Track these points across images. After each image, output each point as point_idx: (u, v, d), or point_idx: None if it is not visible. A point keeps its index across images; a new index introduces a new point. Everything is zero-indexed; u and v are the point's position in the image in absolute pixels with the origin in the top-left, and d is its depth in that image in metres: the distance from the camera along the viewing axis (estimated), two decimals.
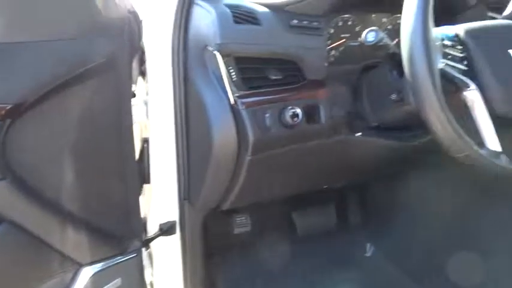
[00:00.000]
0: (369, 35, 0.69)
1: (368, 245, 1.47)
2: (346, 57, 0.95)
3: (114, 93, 0.69)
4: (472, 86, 0.64)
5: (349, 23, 0.97)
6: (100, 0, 0.62)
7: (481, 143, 0.64)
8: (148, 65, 0.96)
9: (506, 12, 0.86)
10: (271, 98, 0.80)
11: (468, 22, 0.96)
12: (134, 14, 0.76)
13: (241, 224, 1.16)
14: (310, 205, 1.39)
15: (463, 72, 0.64)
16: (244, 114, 0.76)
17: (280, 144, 0.82)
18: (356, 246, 1.47)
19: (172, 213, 0.99)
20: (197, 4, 0.81)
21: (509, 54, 0.65)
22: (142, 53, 0.95)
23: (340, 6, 0.88)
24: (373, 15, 0.98)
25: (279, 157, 0.84)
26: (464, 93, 0.65)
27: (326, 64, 0.89)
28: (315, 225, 1.41)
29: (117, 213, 0.77)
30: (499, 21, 0.71)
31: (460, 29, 0.68)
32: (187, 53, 0.82)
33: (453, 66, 0.64)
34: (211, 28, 0.77)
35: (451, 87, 0.66)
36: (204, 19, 0.79)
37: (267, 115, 0.78)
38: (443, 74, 0.62)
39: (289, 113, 0.79)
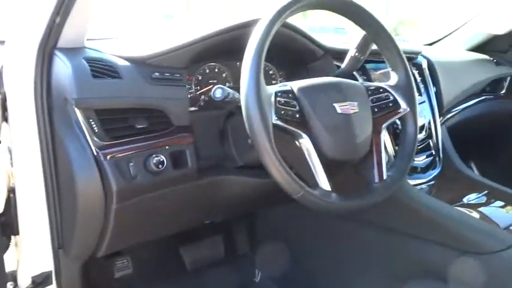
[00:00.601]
0: (217, 92, 0.76)
1: (256, 271, 1.55)
2: (215, 102, 1.03)
3: None
4: (304, 136, 0.74)
5: (216, 70, 1.05)
6: None
7: (314, 184, 0.74)
8: (11, 112, 0.93)
9: (343, 65, 1.01)
10: (136, 146, 0.83)
11: (318, 70, 1.10)
12: None
13: (122, 267, 1.15)
14: (198, 239, 1.43)
15: (297, 123, 0.74)
16: (106, 165, 0.78)
17: (148, 190, 0.85)
18: (245, 273, 1.54)
19: (46, 264, 0.96)
20: (57, 55, 0.82)
21: (334, 107, 0.77)
22: (4, 99, 0.92)
23: (201, 58, 0.95)
24: (238, 63, 1.07)
25: (148, 201, 0.87)
26: (299, 141, 0.75)
27: (191, 110, 0.96)
28: (203, 258, 1.44)
29: None
30: (326, 79, 0.83)
31: (294, 85, 0.78)
32: (51, 102, 0.81)
33: (288, 120, 0.73)
34: (68, 82, 0.77)
35: (288, 137, 0.75)
36: (63, 72, 0.79)
37: (132, 164, 0.81)
38: (279, 127, 0.72)
39: (153, 161, 0.82)
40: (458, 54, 1.72)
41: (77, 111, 0.78)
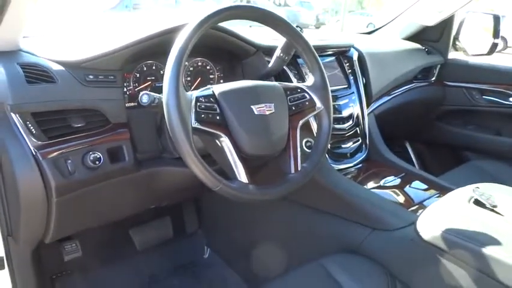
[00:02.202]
0: (143, 98, 0.84)
1: (205, 248, 1.67)
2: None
3: None
4: (224, 136, 0.83)
5: (153, 67, 1.12)
6: None
7: (233, 177, 0.84)
8: None
9: (270, 64, 1.11)
10: (73, 144, 0.89)
11: (251, 65, 1.19)
12: None
13: (71, 251, 1.23)
14: (147, 221, 1.52)
15: (217, 125, 0.84)
16: (45, 163, 0.85)
17: (86, 184, 0.92)
18: (194, 251, 1.65)
19: None
20: None
21: (251, 109, 0.87)
22: None
23: (137, 58, 1.02)
24: None
25: (89, 194, 0.95)
26: (220, 141, 0.84)
27: (129, 106, 1.03)
28: (153, 238, 1.54)
29: None
30: (246, 83, 0.92)
31: (216, 89, 0.87)
32: None
33: (208, 122, 0.82)
34: (3, 88, 0.82)
35: (209, 138, 0.85)
36: None
37: (69, 161, 0.88)
38: (199, 130, 0.81)
39: (90, 157, 0.90)
40: (393, 44, 1.85)
41: (13, 115, 0.83)
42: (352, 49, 1.52)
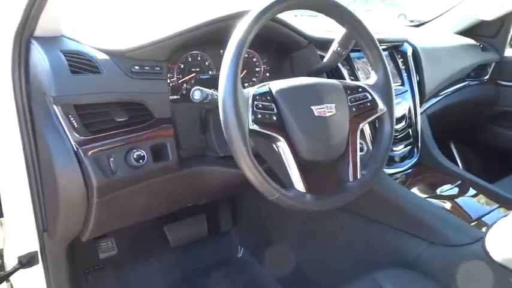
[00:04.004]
0: (195, 93, 0.77)
1: (239, 247, 1.61)
2: None
3: None
4: (281, 139, 0.75)
5: (199, 58, 1.04)
6: None
7: (289, 185, 0.76)
8: None
9: (325, 59, 1.01)
10: (116, 140, 0.83)
11: (301, 59, 1.10)
12: None
13: (107, 249, 1.19)
14: (182, 218, 1.47)
15: (274, 127, 0.76)
16: (86, 160, 0.79)
17: (128, 184, 0.87)
18: (228, 249, 1.59)
19: (32, 245, 0.98)
20: (33, 45, 0.80)
21: (312, 110, 0.79)
22: None
23: (183, 47, 0.95)
24: (221, 50, 1.06)
25: (130, 193, 0.89)
26: (276, 144, 0.77)
27: (173, 99, 0.96)
28: (187, 235, 1.49)
29: None
30: (305, 80, 0.84)
31: (272, 86, 0.79)
32: (29, 93, 0.81)
33: (265, 123, 0.74)
34: (46, 78, 0.77)
35: (265, 140, 0.77)
36: (40, 66, 0.78)
37: (112, 159, 0.82)
38: (256, 132, 0.73)
39: (134, 156, 0.84)
40: (446, 39, 1.72)
41: (56, 107, 0.78)
42: (405, 44, 1.40)
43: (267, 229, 1.52)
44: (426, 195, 1.13)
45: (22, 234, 0.97)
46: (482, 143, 1.92)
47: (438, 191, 1.16)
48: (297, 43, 1.08)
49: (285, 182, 0.77)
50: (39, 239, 0.97)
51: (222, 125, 0.70)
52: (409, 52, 1.39)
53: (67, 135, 0.79)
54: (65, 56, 0.80)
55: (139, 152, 0.84)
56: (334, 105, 0.81)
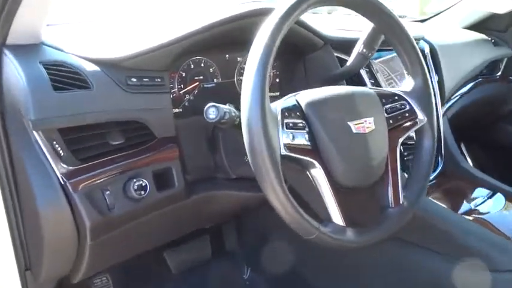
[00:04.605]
0: (210, 112, 0.63)
1: (246, 267, 1.47)
2: (201, 101, 0.90)
3: None
4: (317, 164, 0.62)
5: (202, 64, 0.90)
6: None
7: (326, 219, 0.64)
8: None
9: (349, 62, 0.89)
10: (112, 168, 0.69)
11: (317, 61, 0.97)
12: None
13: (101, 286, 1.04)
14: (183, 241, 1.33)
15: (308, 151, 0.62)
16: (76, 196, 0.65)
17: (128, 220, 0.72)
18: (234, 270, 1.46)
19: (13, 285, 0.84)
20: (6, 55, 0.65)
21: (349, 127, 0.66)
22: None
23: (184, 54, 0.81)
24: (227, 55, 0.93)
25: (129, 230, 0.75)
26: (310, 171, 0.63)
27: (175, 112, 0.83)
28: (189, 260, 1.35)
29: None
30: (338, 89, 0.71)
31: (301, 99, 0.65)
32: (3, 115, 0.66)
33: (298, 148, 0.61)
34: (23, 98, 0.62)
35: (297, 167, 0.64)
36: (15, 82, 0.63)
37: (108, 192, 0.68)
38: (289, 158, 0.60)
39: (134, 186, 0.69)
40: (457, 34, 1.61)
41: (36, 133, 0.63)
42: (422, 41, 1.29)
43: (275, 246, 1.39)
44: (462, 212, 1.02)
45: (4, 273, 0.82)
46: (495, 144, 1.82)
47: (472, 204, 1.05)
48: (312, 44, 0.95)
49: (320, 214, 0.64)
50: (21, 278, 0.83)
51: (247, 150, 0.57)
52: (427, 50, 1.27)
53: (51, 166, 0.65)
54: (45, 68, 0.65)
55: (141, 182, 0.70)
56: (372, 118, 0.69)
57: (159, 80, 0.74)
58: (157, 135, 0.76)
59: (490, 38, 1.67)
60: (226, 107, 0.64)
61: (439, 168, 1.20)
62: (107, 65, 0.70)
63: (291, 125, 0.61)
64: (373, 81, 1.07)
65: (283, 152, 0.58)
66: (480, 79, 1.61)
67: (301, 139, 0.62)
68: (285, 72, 1.02)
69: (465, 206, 1.05)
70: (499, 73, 1.69)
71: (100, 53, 0.72)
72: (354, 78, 1.03)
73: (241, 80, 0.65)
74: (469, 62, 1.51)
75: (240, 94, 0.59)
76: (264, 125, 0.56)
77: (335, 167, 0.63)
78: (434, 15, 1.80)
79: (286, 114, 0.62)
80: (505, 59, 1.69)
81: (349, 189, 0.66)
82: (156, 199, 0.74)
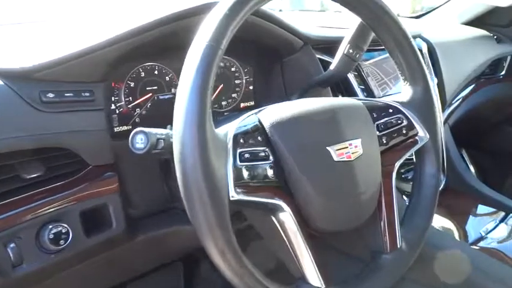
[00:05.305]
0: (137, 140, 0.46)
1: None
2: (156, 116, 0.74)
3: None
4: (284, 206, 0.46)
5: (155, 72, 0.74)
6: None
7: (300, 278, 0.48)
8: None
9: (333, 66, 0.73)
10: (22, 211, 0.53)
11: (296, 65, 0.82)
12: None
13: None
14: (151, 271, 1.17)
15: (272, 188, 0.46)
16: None
17: (44, 277, 0.56)
18: None
19: None
20: None
21: (329, 153, 0.49)
22: None
23: (130, 59, 0.65)
24: None
25: (53, 284, 0.59)
26: (276, 216, 0.47)
27: (121, 131, 0.67)
28: None
29: None
30: (314, 103, 0.54)
31: (264, 118, 0.49)
32: None
33: (257, 186, 0.45)
34: None
35: (257, 212, 0.48)
36: None
37: (12, 245, 0.51)
38: (242, 203, 0.44)
39: (49, 235, 0.53)
40: (455, 31, 1.46)
41: None
42: (419, 39, 1.13)
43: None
44: (472, 240, 0.86)
45: None
46: (499, 149, 1.67)
47: (483, 231, 0.89)
48: (289, 45, 0.79)
49: (290, 270, 0.49)
50: None
51: (183, 198, 0.41)
52: (424, 49, 1.12)
53: None
54: None
55: (59, 227, 0.54)
56: (359, 140, 0.53)
57: (87, 94, 0.58)
58: (89, 163, 0.60)
59: (492, 34, 1.52)
60: (163, 132, 0.48)
61: (442, 184, 1.04)
62: (12, 78, 0.54)
63: (246, 156, 0.44)
64: (363, 87, 0.91)
65: (234, 195, 0.42)
66: (483, 80, 1.46)
67: (263, 173, 0.45)
68: (259, 79, 0.87)
69: (474, 233, 0.89)
70: (503, 72, 1.54)
71: (4, 61, 0.55)
72: (341, 84, 0.87)
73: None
74: (470, 61, 1.36)
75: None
76: (202, 158, 0.40)
77: (310, 209, 0.48)
78: (431, 11, 1.65)
79: (241, 141, 0.46)
80: (509, 57, 1.54)
81: (329, 234, 0.50)
82: (84, 247, 0.57)
